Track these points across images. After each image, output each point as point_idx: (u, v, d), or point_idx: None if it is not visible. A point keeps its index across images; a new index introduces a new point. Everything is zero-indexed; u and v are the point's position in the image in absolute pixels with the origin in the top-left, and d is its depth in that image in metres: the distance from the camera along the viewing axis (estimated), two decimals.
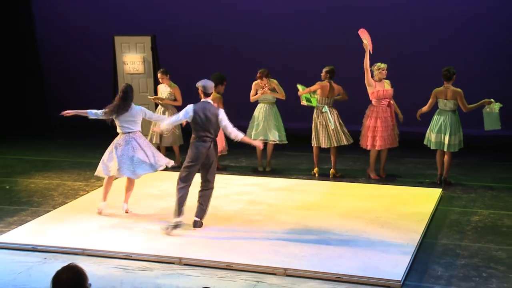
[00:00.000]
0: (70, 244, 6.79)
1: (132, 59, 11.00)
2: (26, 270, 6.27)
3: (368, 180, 9.25)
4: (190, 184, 7.13)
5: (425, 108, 8.96)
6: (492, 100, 8.77)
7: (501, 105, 8.74)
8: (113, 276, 6.10)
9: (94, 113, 7.65)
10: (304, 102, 9.24)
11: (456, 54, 11.02)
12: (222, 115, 7.07)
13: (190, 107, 7.05)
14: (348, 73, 9.76)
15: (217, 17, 12.11)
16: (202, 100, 7.10)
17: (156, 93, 10.24)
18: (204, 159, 7.08)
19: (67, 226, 7.35)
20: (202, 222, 7.19)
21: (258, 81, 9.50)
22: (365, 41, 8.90)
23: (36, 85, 12.94)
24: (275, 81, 9.59)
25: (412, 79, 10.95)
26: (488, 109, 8.76)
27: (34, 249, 6.76)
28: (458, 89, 8.69)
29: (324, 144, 9.27)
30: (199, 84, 7.14)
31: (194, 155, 7.03)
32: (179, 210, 7.04)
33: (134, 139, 7.58)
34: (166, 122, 7.51)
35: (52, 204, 8.28)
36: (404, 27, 11.31)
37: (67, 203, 8.27)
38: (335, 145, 9.26)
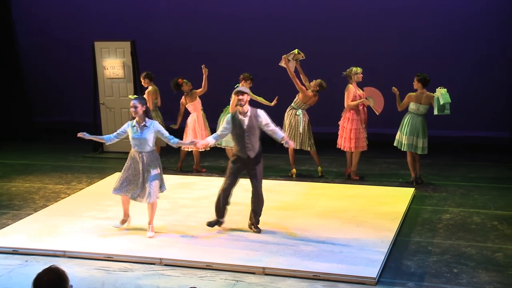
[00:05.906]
0: (51, 247, 6.85)
1: (112, 64, 11.03)
2: (7, 273, 6.31)
3: (345, 180, 9.37)
4: None
5: (398, 107, 9.11)
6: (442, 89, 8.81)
7: (443, 91, 8.73)
8: (94, 278, 6.17)
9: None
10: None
11: (443, 56, 11.08)
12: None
13: None
14: (328, 73, 9.87)
15: (196, 21, 12.12)
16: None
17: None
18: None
19: (48, 228, 7.40)
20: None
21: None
22: (371, 101, 9.15)
23: (18, 89, 12.82)
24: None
25: (391, 81, 11.05)
26: (435, 95, 8.81)
27: (15, 252, 6.80)
28: (432, 94, 8.88)
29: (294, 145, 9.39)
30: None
31: None
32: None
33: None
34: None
35: (33, 207, 8.32)
36: (392, 29, 11.34)
37: (48, 206, 8.32)
38: (297, 148, 9.41)
